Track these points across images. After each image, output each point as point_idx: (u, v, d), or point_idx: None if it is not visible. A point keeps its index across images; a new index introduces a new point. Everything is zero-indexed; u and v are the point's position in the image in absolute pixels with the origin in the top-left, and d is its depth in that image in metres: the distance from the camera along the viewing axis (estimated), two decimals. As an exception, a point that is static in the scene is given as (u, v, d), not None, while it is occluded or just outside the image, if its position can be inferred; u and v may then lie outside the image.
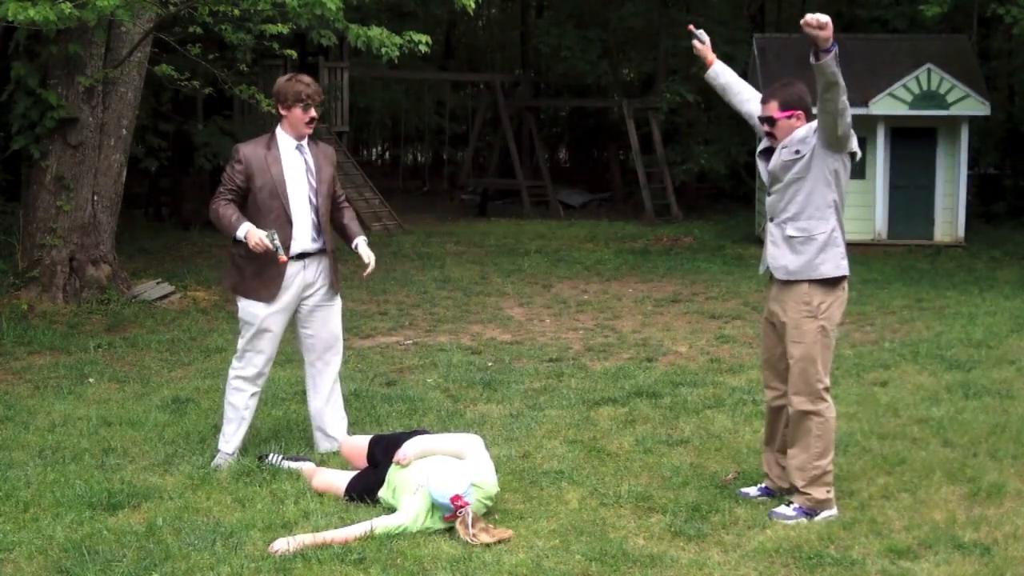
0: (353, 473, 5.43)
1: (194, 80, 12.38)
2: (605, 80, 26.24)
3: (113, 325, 10.33)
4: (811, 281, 5.14)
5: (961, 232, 17.75)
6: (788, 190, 5.17)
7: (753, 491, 5.42)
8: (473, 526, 4.74)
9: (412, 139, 37.21)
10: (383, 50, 10.66)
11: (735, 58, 22.65)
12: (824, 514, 5.06)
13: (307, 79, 5.83)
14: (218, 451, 5.95)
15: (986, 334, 9.69)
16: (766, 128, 5.27)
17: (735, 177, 25.07)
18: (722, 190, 26.90)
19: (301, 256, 5.83)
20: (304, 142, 5.87)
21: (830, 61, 4.93)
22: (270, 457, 5.86)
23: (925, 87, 17.32)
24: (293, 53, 13.02)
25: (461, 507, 4.77)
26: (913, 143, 17.95)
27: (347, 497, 5.28)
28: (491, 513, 5.05)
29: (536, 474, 5.67)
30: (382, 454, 5.35)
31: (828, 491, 5.10)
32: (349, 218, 6.16)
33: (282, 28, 11.18)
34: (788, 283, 5.19)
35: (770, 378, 5.41)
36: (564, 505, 5.22)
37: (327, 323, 6.02)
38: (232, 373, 5.97)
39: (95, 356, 8.91)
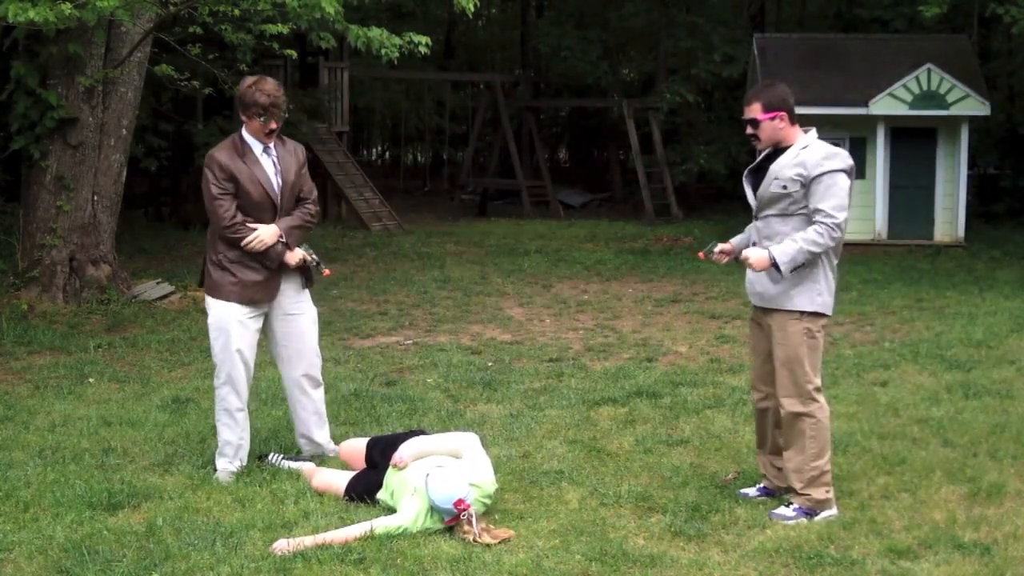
0: (353, 473, 5.43)
1: (194, 80, 12.39)
2: (605, 80, 26.25)
3: (113, 325, 10.33)
4: (784, 310, 5.11)
5: (961, 232, 17.75)
6: (773, 220, 5.12)
7: (752, 491, 5.42)
8: (475, 524, 4.74)
9: (412, 139, 37.23)
10: (383, 51, 10.67)
11: (735, 58, 22.67)
12: (824, 514, 5.06)
13: (270, 87, 5.49)
14: (219, 468, 5.69)
15: (986, 334, 9.69)
16: (750, 129, 5.22)
17: (735, 177, 25.00)
18: (722, 190, 26.90)
19: None
20: (271, 144, 5.65)
21: (790, 272, 5.00)
22: (270, 457, 5.86)
23: (925, 87, 17.33)
24: (293, 53, 13.03)
25: (464, 510, 4.77)
26: (913, 143, 17.96)
27: (347, 497, 5.28)
28: (491, 513, 5.05)
29: (536, 474, 5.66)
30: (379, 456, 5.35)
31: (827, 491, 5.10)
32: (294, 212, 5.73)
33: (282, 28, 11.18)
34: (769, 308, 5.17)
35: (756, 379, 5.41)
36: (564, 505, 5.22)
37: (300, 328, 5.80)
38: (220, 392, 5.68)
39: (95, 356, 8.91)
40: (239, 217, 5.53)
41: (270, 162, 5.65)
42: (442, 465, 5.01)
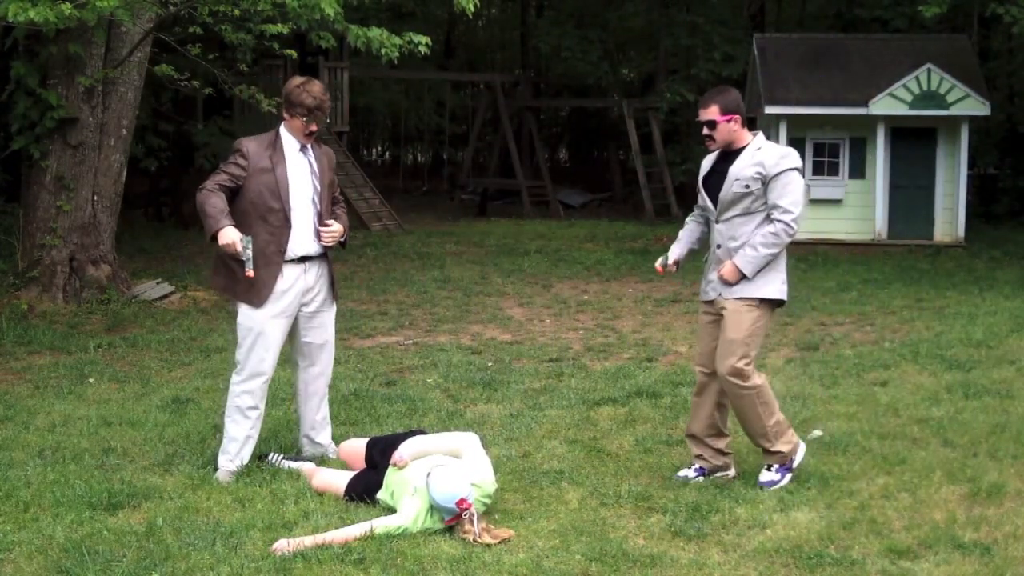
0: (353, 473, 5.43)
1: (194, 80, 12.38)
2: (605, 80, 26.25)
3: (113, 325, 10.33)
4: (752, 299, 5.45)
5: (961, 232, 17.76)
6: (736, 221, 5.47)
7: (691, 473, 5.66)
8: (475, 523, 4.75)
9: (412, 139, 37.24)
10: (383, 51, 10.67)
11: (735, 58, 22.68)
12: (799, 456, 5.53)
13: (317, 90, 5.60)
14: (219, 467, 5.68)
15: (986, 334, 9.69)
16: (706, 131, 5.53)
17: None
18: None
19: (302, 259, 5.68)
20: (308, 145, 5.75)
21: (754, 273, 5.42)
22: (270, 457, 5.86)
23: (925, 87, 17.33)
24: (293, 53, 13.02)
25: (465, 509, 4.77)
26: (913, 143, 17.97)
27: (347, 497, 5.28)
28: (491, 513, 5.05)
29: (536, 474, 5.67)
30: (379, 456, 5.35)
31: (791, 438, 5.52)
32: (339, 214, 5.93)
33: (282, 28, 11.18)
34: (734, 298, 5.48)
35: (702, 361, 5.70)
36: (564, 505, 5.23)
37: (325, 329, 5.89)
38: (236, 389, 5.70)
39: (95, 356, 8.91)
40: (214, 191, 5.49)
41: (306, 162, 5.70)
42: (443, 464, 5.01)
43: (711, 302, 5.59)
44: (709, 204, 5.60)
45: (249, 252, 5.42)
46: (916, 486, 5.48)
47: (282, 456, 5.88)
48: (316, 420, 5.98)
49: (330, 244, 5.73)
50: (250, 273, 5.48)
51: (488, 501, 5.04)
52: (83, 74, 11.24)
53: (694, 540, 4.79)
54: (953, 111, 17.37)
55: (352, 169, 21.40)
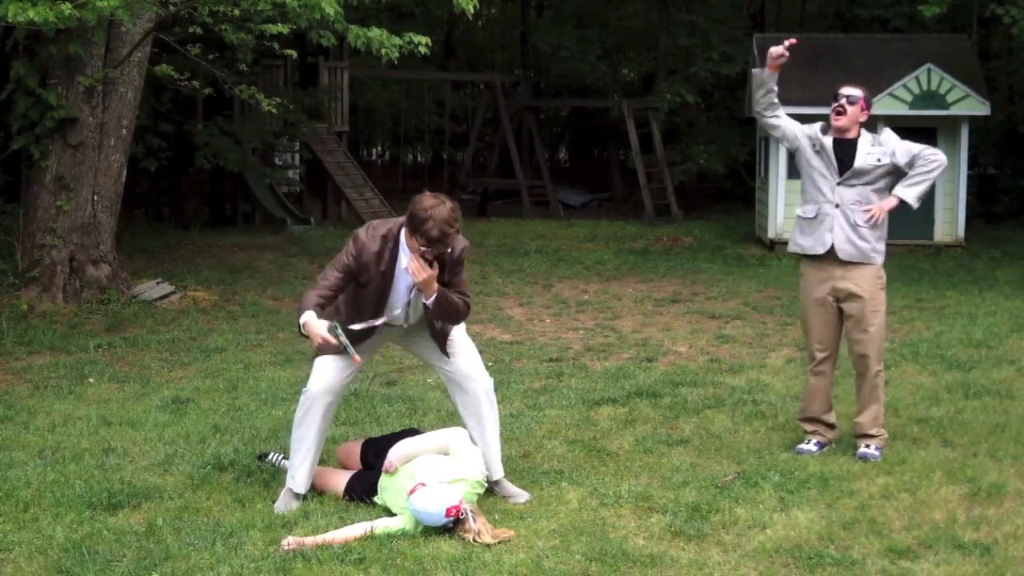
0: (352, 473, 5.43)
1: (194, 80, 12.38)
2: (605, 80, 26.24)
3: (113, 325, 10.33)
4: (878, 268, 6.09)
5: (961, 232, 17.74)
6: (865, 188, 6.12)
7: (812, 447, 6.11)
8: (474, 523, 4.75)
9: (412, 139, 37.21)
10: (383, 51, 10.67)
11: (735, 58, 22.68)
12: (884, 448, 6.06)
13: (445, 217, 4.90)
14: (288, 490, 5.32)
15: (986, 334, 9.69)
16: (844, 103, 6.10)
17: (735, 177, 25.04)
18: (722, 190, 26.88)
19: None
20: None
21: (918, 201, 6.29)
22: (270, 457, 5.86)
23: (925, 87, 17.32)
24: (293, 53, 13.02)
25: (457, 513, 4.77)
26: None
27: (347, 497, 5.29)
28: (491, 513, 5.06)
29: (536, 474, 5.67)
30: (374, 458, 5.35)
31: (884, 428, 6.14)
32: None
33: (282, 28, 11.17)
34: (855, 263, 6.05)
35: (822, 350, 6.27)
36: (564, 505, 5.23)
37: (429, 340, 5.45)
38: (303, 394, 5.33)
39: (95, 356, 8.91)
40: (313, 298, 5.01)
41: (409, 277, 5.16)
42: (425, 483, 4.91)
43: (820, 258, 6.07)
44: (830, 164, 6.11)
45: (343, 339, 4.98)
46: (916, 486, 5.48)
47: (282, 456, 5.88)
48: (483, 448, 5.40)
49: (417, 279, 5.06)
50: (357, 358, 5.07)
51: (481, 490, 5.05)
52: (83, 74, 11.23)
53: (694, 540, 4.80)
54: (953, 111, 17.35)
55: (352, 169, 21.38)
